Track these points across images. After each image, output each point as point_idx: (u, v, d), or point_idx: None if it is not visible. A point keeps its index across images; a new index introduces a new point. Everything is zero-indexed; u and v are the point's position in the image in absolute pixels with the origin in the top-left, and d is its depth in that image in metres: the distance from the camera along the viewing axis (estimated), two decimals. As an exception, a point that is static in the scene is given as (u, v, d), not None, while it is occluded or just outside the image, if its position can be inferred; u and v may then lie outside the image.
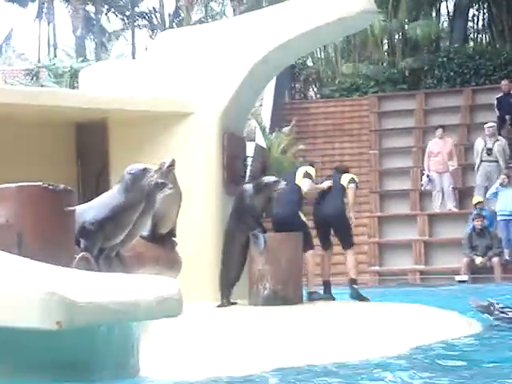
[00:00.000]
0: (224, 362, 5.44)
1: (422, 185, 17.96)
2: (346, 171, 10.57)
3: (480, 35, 26.87)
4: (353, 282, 10.14)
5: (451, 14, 26.64)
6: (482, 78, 21.96)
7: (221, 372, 5.08)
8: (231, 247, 9.33)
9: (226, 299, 9.25)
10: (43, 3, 34.00)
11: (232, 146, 10.45)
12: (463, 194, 17.98)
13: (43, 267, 4.23)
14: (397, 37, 24.76)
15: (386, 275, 16.67)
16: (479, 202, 16.17)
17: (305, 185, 9.71)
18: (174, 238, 7.66)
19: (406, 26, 24.11)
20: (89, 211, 6.05)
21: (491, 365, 5.78)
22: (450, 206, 17.44)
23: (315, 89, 25.94)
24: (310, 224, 10.05)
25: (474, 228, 15.64)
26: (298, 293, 9.37)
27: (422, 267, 16.69)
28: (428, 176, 17.62)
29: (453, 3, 26.46)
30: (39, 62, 28.49)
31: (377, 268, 16.93)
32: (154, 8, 35.28)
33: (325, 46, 24.34)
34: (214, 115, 10.24)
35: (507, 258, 15.82)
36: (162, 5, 33.46)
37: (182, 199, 7.74)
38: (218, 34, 11.03)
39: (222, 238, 9.54)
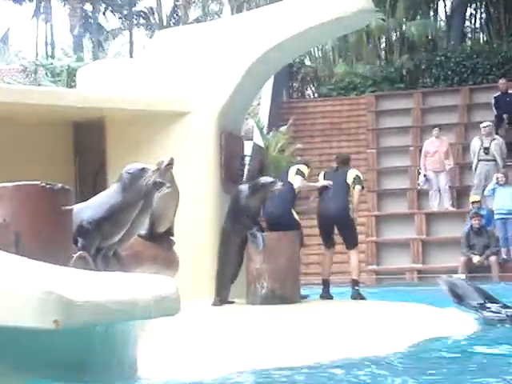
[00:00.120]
0: (221, 362, 5.44)
1: (418, 184, 17.98)
2: (349, 161, 10.55)
3: (477, 34, 26.88)
4: (355, 283, 10.15)
5: (449, 13, 26.65)
6: (480, 77, 21.97)
7: (218, 371, 5.08)
8: (227, 247, 9.33)
9: (221, 298, 9.24)
10: (40, 2, 33.95)
11: (230, 145, 10.45)
12: (460, 193, 17.99)
13: (40, 266, 4.23)
14: (394, 36, 24.77)
15: (384, 274, 16.68)
16: (476, 201, 16.19)
17: (296, 181, 9.72)
18: (171, 237, 7.65)
19: (404, 25, 24.12)
20: (86, 210, 6.05)
21: (489, 362, 5.80)
22: (447, 205, 17.46)
23: (313, 88, 25.94)
24: (304, 223, 10.06)
25: (471, 227, 15.65)
26: (295, 292, 9.38)
27: (419, 266, 16.71)
28: (425, 175, 17.64)
29: (450, 2, 26.48)
30: (37, 60, 28.43)
31: (374, 267, 16.94)
32: (151, 7, 35.27)
33: (322, 45, 24.34)
34: (211, 114, 10.25)
35: (504, 256, 15.84)
36: (160, 4, 33.43)
37: (179, 198, 7.73)
38: (215, 33, 11.03)
39: (219, 236, 9.55)
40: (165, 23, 32.95)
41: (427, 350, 6.35)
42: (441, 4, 26.97)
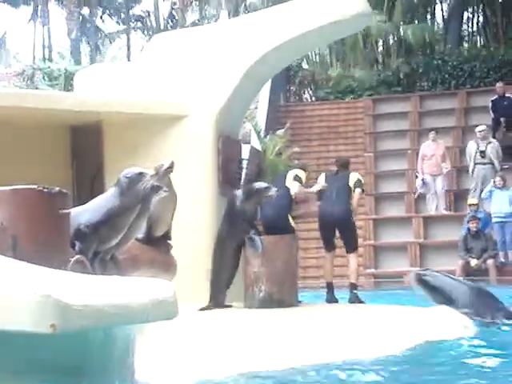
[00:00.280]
0: (218, 365, 5.43)
1: (416, 189, 17.98)
2: (348, 165, 10.59)
3: (474, 38, 26.93)
4: (353, 286, 10.17)
5: (446, 16, 26.70)
6: (477, 81, 22.01)
7: (214, 375, 5.07)
8: (223, 252, 9.32)
9: (216, 303, 9.22)
10: (38, 5, 33.95)
11: (227, 148, 10.45)
12: (458, 197, 18.00)
13: (38, 270, 4.22)
14: (391, 39, 24.80)
15: (382, 277, 16.67)
16: (474, 204, 16.20)
17: (293, 188, 9.75)
18: (169, 241, 7.64)
19: (401, 29, 24.16)
20: (84, 214, 6.04)
21: (487, 364, 5.80)
22: (442, 209, 17.48)
23: (310, 91, 25.96)
24: (301, 227, 10.08)
25: (469, 230, 15.65)
26: (293, 295, 9.37)
27: (417, 270, 16.66)
28: (423, 179, 17.65)
29: (447, 6, 26.52)
30: (34, 64, 28.43)
31: (372, 270, 16.94)
32: (148, 11, 35.30)
33: (319, 49, 24.36)
34: (209, 118, 10.24)
35: (502, 260, 15.84)
36: (157, 7, 33.46)
37: (177, 202, 7.72)
38: (213, 36, 11.03)
39: (214, 241, 9.53)
40: (162, 27, 33.00)
41: (424, 353, 6.36)
42: (438, 8, 27.06)
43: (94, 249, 6.08)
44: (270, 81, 17.57)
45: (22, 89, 21.48)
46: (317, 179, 10.50)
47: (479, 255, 15.51)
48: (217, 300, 9.24)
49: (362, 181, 10.39)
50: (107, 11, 35.83)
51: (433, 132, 18.16)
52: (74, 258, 5.46)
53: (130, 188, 6.14)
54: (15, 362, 3.73)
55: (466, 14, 26.43)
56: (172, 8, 34.44)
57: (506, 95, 18.93)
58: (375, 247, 17.32)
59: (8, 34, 40.59)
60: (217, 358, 5.69)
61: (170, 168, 7.11)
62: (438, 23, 27.57)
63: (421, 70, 23.16)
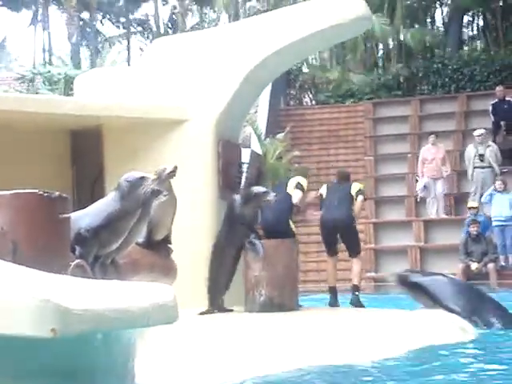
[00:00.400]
0: (218, 369, 5.43)
1: (417, 192, 17.98)
2: (348, 177, 10.75)
3: (474, 41, 26.96)
4: (355, 288, 10.26)
5: (446, 20, 26.72)
6: (477, 85, 22.02)
7: (214, 379, 5.07)
8: (222, 259, 9.32)
9: (213, 307, 9.21)
10: (38, 10, 33.99)
11: (227, 152, 10.45)
12: (458, 200, 18.01)
13: (38, 275, 4.22)
14: (392, 43, 24.82)
15: (382, 281, 16.65)
16: (474, 207, 16.20)
17: (295, 197, 9.79)
18: (169, 245, 7.64)
19: (401, 33, 24.17)
20: (84, 218, 6.04)
21: (486, 368, 5.80)
22: (441, 212, 17.48)
23: (310, 95, 25.98)
24: (302, 231, 10.10)
25: (469, 234, 15.65)
26: (293, 299, 9.36)
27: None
28: (424, 186, 17.64)
29: (447, 10, 26.54)
30: (34, 68, 28.44)
31: (373, 274, 16.92)
32: (148, 15, 35.34)
33: (320, 52, 24.38)
34: (209, 122, 10.24)
35: (503, 263, 15.84)
36: (157, 12, 33.50)
37: (177, 206, 7.72)
38: (213, 40, 11.03)
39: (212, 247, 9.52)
40: (162, 31, 33.02)
41: (424, 357, 6.35)
42: (438, 12, 27.08)
43: (95, 253, 6.08)
44: (270, 84, 17.57)
45: (22, 93, 21.48)
46: (319, 190, 10.58)
47: (480, 259, 15.51)
48: (215, 304, 9.23)
49: (363, 189, 10.61)
50: (107, 15, 35.87)
51: (433, 136, 18.17)
52: (75, 263, 5.46)
53: (131, 192, 6.14)
54: (15, 367, 3.73)
55: (466, 18, 26.47)
56: (172, 12, 34.47)
57: (506, 99, 18.95)
58: (375, 251, 17.32)
59: (8, 38, 40.68)
60: (217, 362, 5.69)
61: (173, 172, 7.10)
62: (438, 27, 27.60)
63: (421, 74, 23.18)
